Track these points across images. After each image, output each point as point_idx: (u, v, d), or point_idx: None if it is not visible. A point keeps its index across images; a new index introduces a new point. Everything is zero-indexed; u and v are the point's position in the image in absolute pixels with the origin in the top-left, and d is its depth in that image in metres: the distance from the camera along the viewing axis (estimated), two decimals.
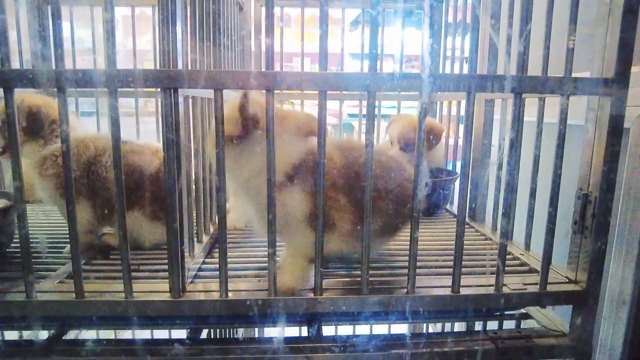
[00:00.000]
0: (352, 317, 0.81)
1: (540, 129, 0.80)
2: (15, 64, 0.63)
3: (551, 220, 0.73)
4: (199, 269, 0.84)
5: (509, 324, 0.88)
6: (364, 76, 0.65)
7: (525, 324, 0.85)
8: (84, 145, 0.92)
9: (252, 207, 0.77)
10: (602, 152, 0.70)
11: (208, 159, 0.94)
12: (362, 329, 1.10)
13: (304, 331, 0.78)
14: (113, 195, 0.67)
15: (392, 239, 0.89)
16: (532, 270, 0.86)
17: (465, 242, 0.72)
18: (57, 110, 0.65)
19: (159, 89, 0.64)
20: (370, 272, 0.71)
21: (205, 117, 0.96)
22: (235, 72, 0.65)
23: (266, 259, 0.70)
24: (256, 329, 0.97)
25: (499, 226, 0.89)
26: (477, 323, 0.92)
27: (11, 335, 0.78)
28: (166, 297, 0.70)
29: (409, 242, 0.70)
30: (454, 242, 0.72)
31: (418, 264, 0.73)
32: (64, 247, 0.93)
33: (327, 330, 0.78)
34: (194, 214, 0.87)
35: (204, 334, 0.82)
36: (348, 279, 0.78)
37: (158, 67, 0.70)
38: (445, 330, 1.04)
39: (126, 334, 0.82)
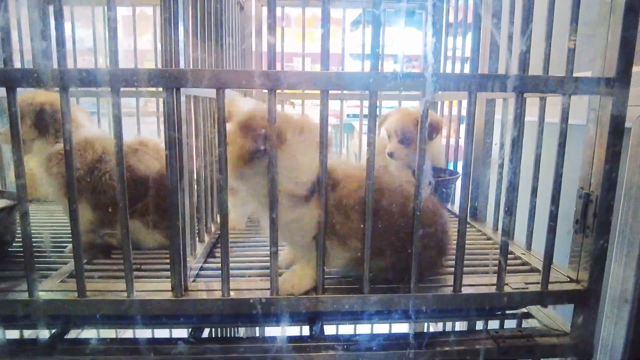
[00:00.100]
0: (354, 317, 0.81)
1: (541, 129, 0.80)
2: (16, 64, 0.63)
3: (552, 219, 0.74)
4: (201, 268, 0.84)
5: (510, 324, 0.88)
6: (366, 75, 0.65)
7: (527, 323, 0.85)
8: (91, 145, 0.92)
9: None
10: (604, 151, 0.70)
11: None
12: (364, 329, 1.10)
13: (306, 330, 0.78)
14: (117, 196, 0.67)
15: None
16: (533, 270, 0.86)
17: (466, 241, 0.73)
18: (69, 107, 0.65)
19: (160, 89, 0.64)
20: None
21: (208, 116, 0.96)
22: (238, 71, 0.65)
23: (267, 259, 0.71)
24: (258, 328, 0.97)
25: (500, 225, 0.89)
26: (478, 322, 0.92)
27: (14, 334, 0.78)
28: (168, 296, 0.70)
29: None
30: (455, 241, 0.72)
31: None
32: (65, 247, 0.93)
33: (329, 330, 0.78)
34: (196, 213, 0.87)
35: (206, 333, 0.82)
36: (349, 278, 0.78)
37: (160, 67, 0.70)
38: (447, 330, 1.05)
39: (128, 333, 0.82)
